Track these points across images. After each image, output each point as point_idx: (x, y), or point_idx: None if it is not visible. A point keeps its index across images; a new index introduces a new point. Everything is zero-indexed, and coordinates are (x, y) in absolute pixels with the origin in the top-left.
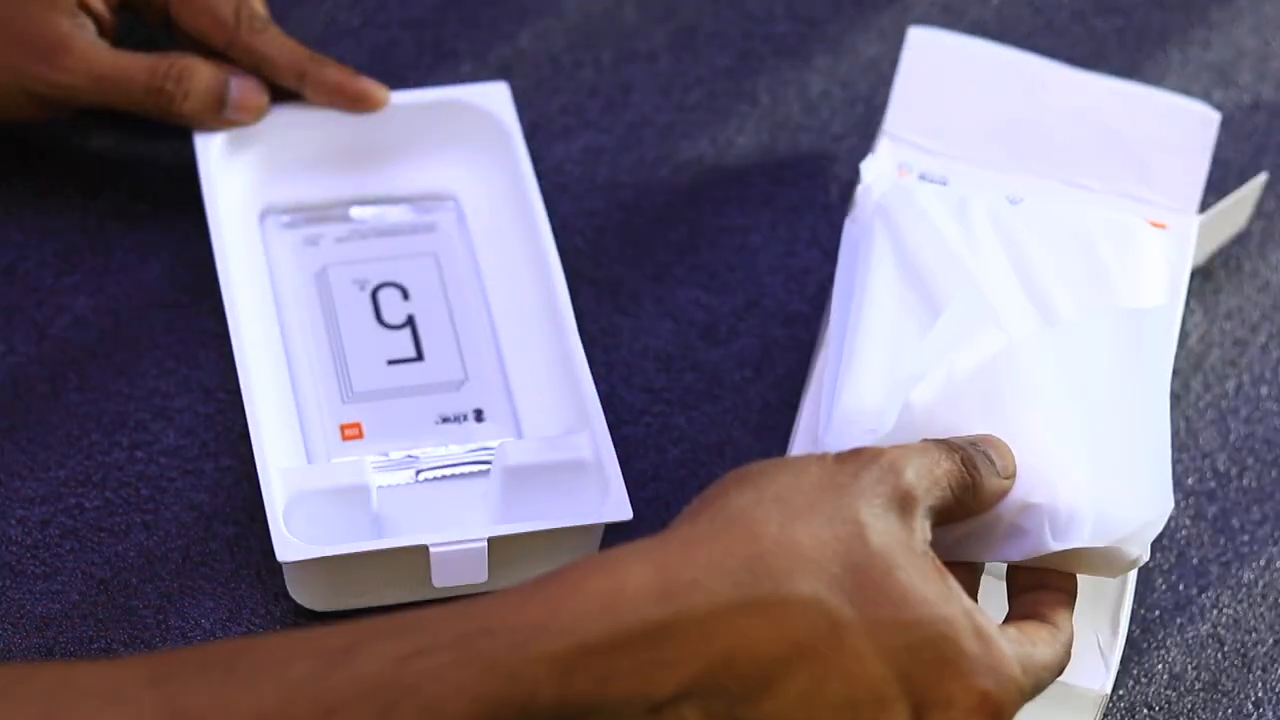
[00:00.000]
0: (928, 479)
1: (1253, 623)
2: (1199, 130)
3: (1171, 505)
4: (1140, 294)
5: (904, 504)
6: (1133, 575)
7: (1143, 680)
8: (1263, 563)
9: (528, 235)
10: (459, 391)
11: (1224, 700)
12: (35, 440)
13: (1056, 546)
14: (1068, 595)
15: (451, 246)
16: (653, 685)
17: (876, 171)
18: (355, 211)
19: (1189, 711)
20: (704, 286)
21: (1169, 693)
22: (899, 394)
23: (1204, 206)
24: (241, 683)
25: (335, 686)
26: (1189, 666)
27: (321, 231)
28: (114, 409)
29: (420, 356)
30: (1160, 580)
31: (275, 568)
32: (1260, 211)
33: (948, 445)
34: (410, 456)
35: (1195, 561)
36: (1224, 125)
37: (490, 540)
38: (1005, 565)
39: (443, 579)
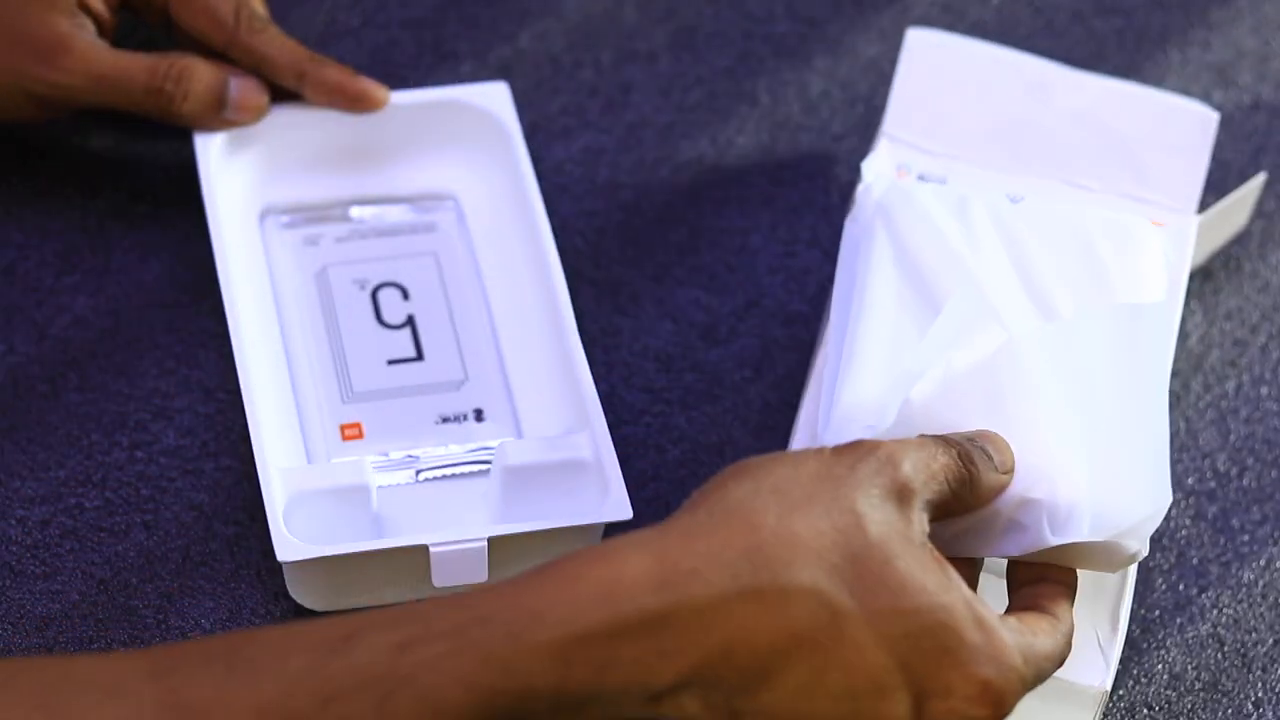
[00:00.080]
0: (925, 472)
1: (1253, 623)
2: (1198, 130)
3: (1170, 500)
4: (1139, 293)
5: (901, 496)
6: (1132, 571)
7: (1143, 680)
8: (1263, 563)
9: (528, 234)
10: (459, 391)
11: (1224, 700)
12: (35, 440)
13: (1055, 541)
14: (1067, 588)
15: (451, 246)
16: (652, 674)
17: (876, 171)
18: (355, 211)
19: (1189, 711)
20: (704, 287)
21: (1169, 693)
22: (898, 391)
23: (1203, 206)
24: (240, 675)
25: (333, 677)
26: (1189, 666)
27: (321, 231)
28: (114, 409)
29: (420, 356)
30: (1160, 580)
31: (275, 568)
32: (1260, 212)
33: (945, 440)
34: (410, 456)
35: (1195, 561)
36: (1224, 125)
37: (490, 540)
38: (1005, 561)
39: (443, 579)
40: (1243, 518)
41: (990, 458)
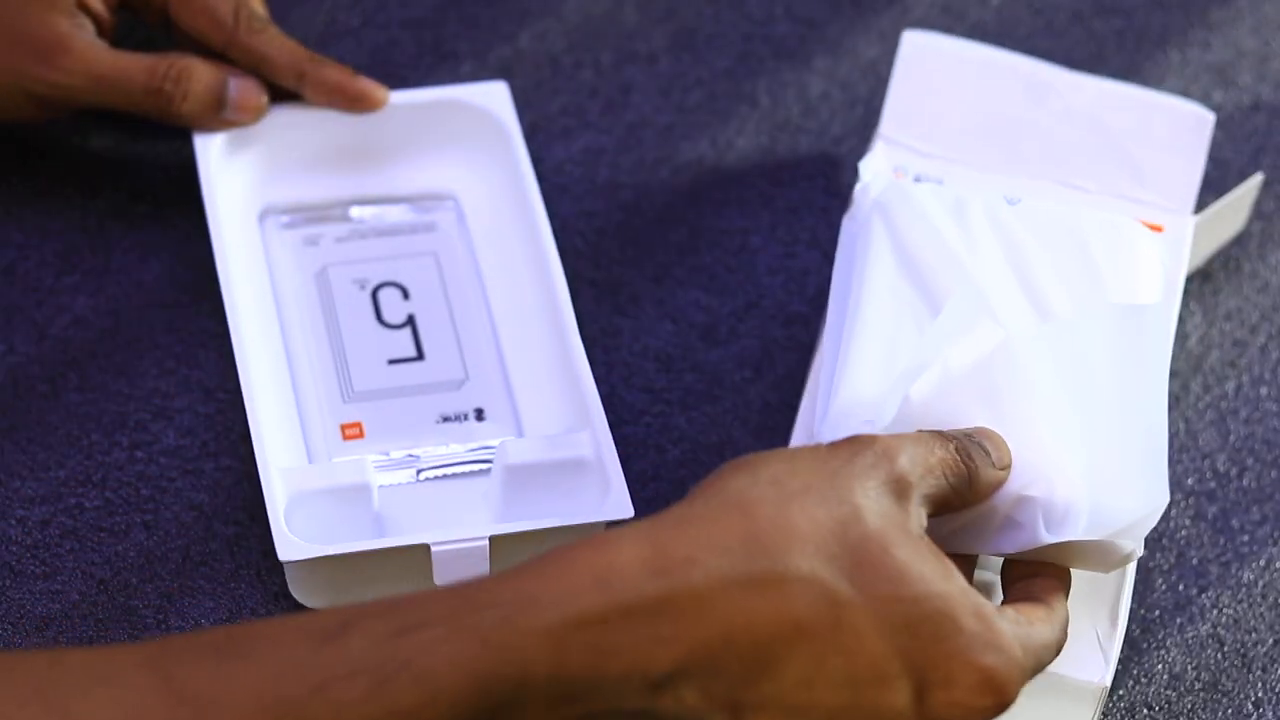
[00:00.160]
0: (922, 466)
1: (1253, 623)
2: (1194, 131)
3: (1167, 499)
4: (1134, 294)
5: (899, 489)
6: (1132, 567)
7: (1143, 680)
8: (1263, 563)
9: (527, 233)
10: (459, 391)
11: (1224, 700)
12: (35, 440)
13: (1051, 539)
14: (1062, 581)
15: (451, 246)
16: (649, 661)
17: (874, 170)
18: (355, 211)
19: (1189, 711)
20: (704, 287)
21: (1169, 693)
22: (896, 388)
23: (1202, 207)
24: (235, 662)
25: (328, 663)
26: (1189, 666)
27: (321, 231)
28: (114, 409)
29: (421, 356)
30: (1160, 580)
31: (275, 567)
32: (1259, 212)
33: (942, 435)
34: (411, 456)
35: (1195, 561)
36: (1224, 126)
37: (492, 539)
38: (999, 561)
39: (444, 578)
40: (1242, 518)
41: (988, 454)
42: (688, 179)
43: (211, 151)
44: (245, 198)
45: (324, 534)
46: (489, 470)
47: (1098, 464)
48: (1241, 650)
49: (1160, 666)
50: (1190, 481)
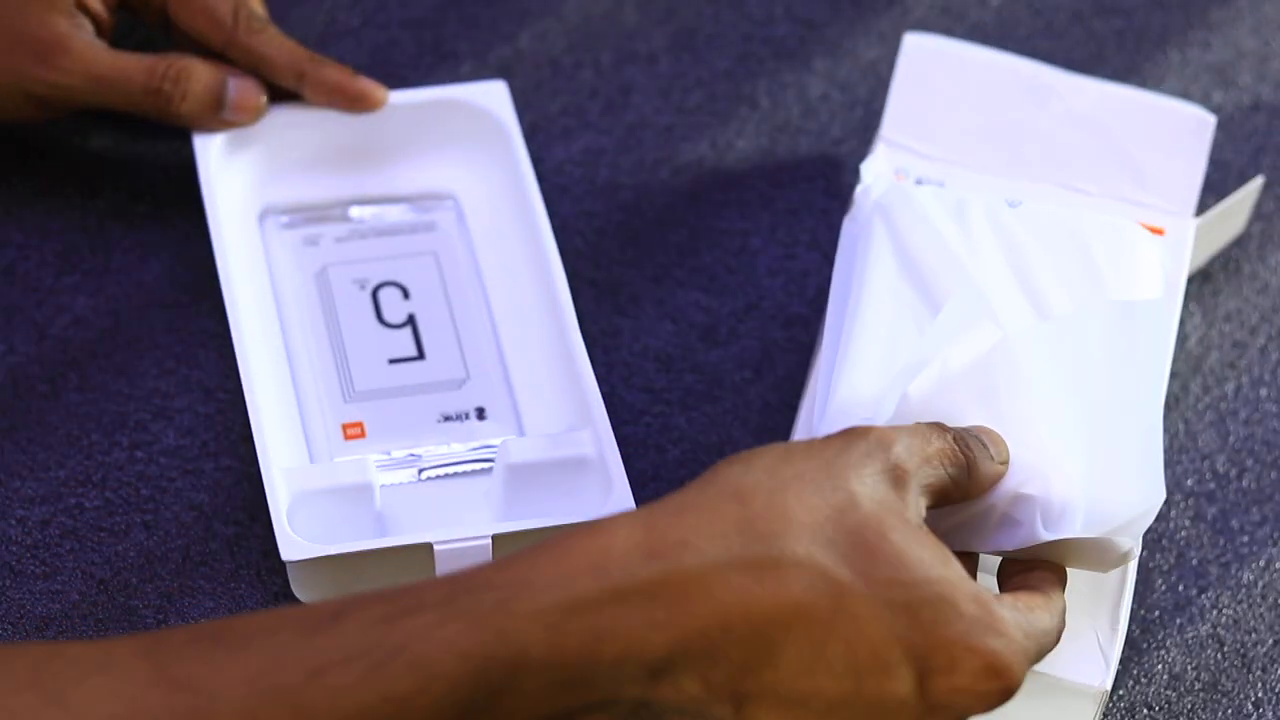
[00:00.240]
0: (919, 455)
1: (1253, 623)
2: (1195, 133)
3: (1163, 497)
4: (1134, 297)
5: (896, 477)
6: (1132, 570)
7: (1143, 680)
8: (1262, 563)
9: (527, 232)
10: (460, 390)
11: (1224, 700)
12: (35, 440)
13: (1048, 536)
14: (1058, 575)
15: (451, 245)
16: (645, 645)
17: (876, 172)
18: (355, 211)
19: (1189, 711)
20: (704, 288)
21: (1169, 693)
22: (895, 386)
23: (1202, 208)
24: (229, 650)
25: (322, 648)
26: (1189, 666)
27: (321, 231)
28: (114, 409)
29: (421, 355)
30: (1160, 581)
31: (275, 567)
32: (1259, 214)
33: (940, 426)
34: (413, 455)
35: (1195, 562)
36: (1224, 126)
37: (494, 538)
38: (996, 561)
39: None
40: (1242, 519)
41: (986, 447)
42: (688, 180)
43: (211, 151)
44: (245, 198)
45: (326, 534)
46: (491, 469)
47: (1095, 462)
48: (1241, 650)
49: (1160, 666)
50: (1190, 482)
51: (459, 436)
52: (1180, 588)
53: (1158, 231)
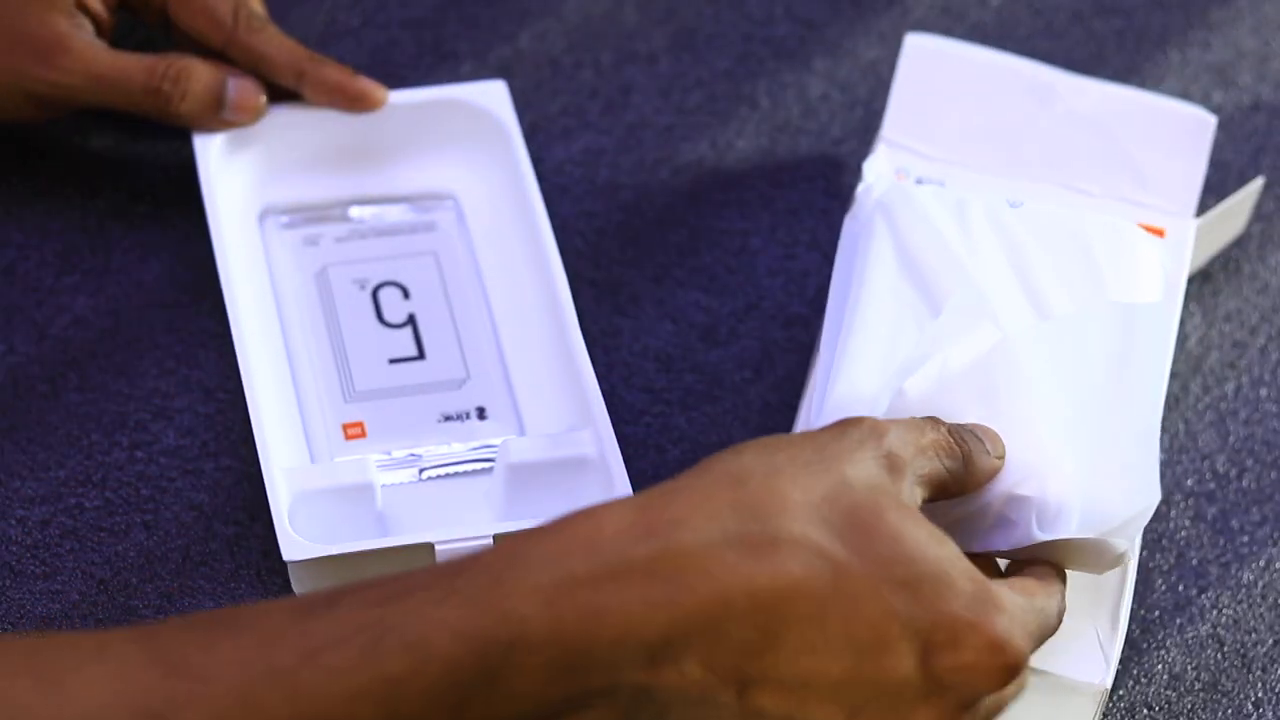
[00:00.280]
0: (913, 445)
1: (1253, 623)
2: (1196, 134)
3: (1158, 498)
4: (1135, 297)
5: (891, 464)
6: (1132, 570)
7: (1143, 680)
8: (1262, 563)
9: (527, 232)
10: (461, 390)
11: (1224, 700)
12: (35, 440)
13: (1043, 537)
14: (1055, 569)
15: (451, 245)
16: (643, 624)
17: (877, 171)
18: (355, 211)
19: (1189, 711)
20: (704, 288)
21: (1169, 693)
22: (893, 385)
23: (1203, 208)
24: (224, 634)
25: (317, 631)
26: (1189, 666)
27: (321, 231)
28: (114, 409)
29: (422, 355)
30: (1160, 581)
31: (275, 568)
32: (1259, 214)
33: (934, 420)
34: (413, 455)
35: (1195, 562)
36: (1224, 127)
37: (495, 538)
38: None
39: None
40: (1242, 519)
41: (982, 442)
42: (688, 180)
43: (211, 151)
44: (245, 198)
45: (327, 533)
46: (491, 469)
47: (1091, 463)
48: (1241, 650)
49: (1160, 666)
50: (1190, 482)
51: (459, 436)
52: (1180, 588)
53: (1158, 232)
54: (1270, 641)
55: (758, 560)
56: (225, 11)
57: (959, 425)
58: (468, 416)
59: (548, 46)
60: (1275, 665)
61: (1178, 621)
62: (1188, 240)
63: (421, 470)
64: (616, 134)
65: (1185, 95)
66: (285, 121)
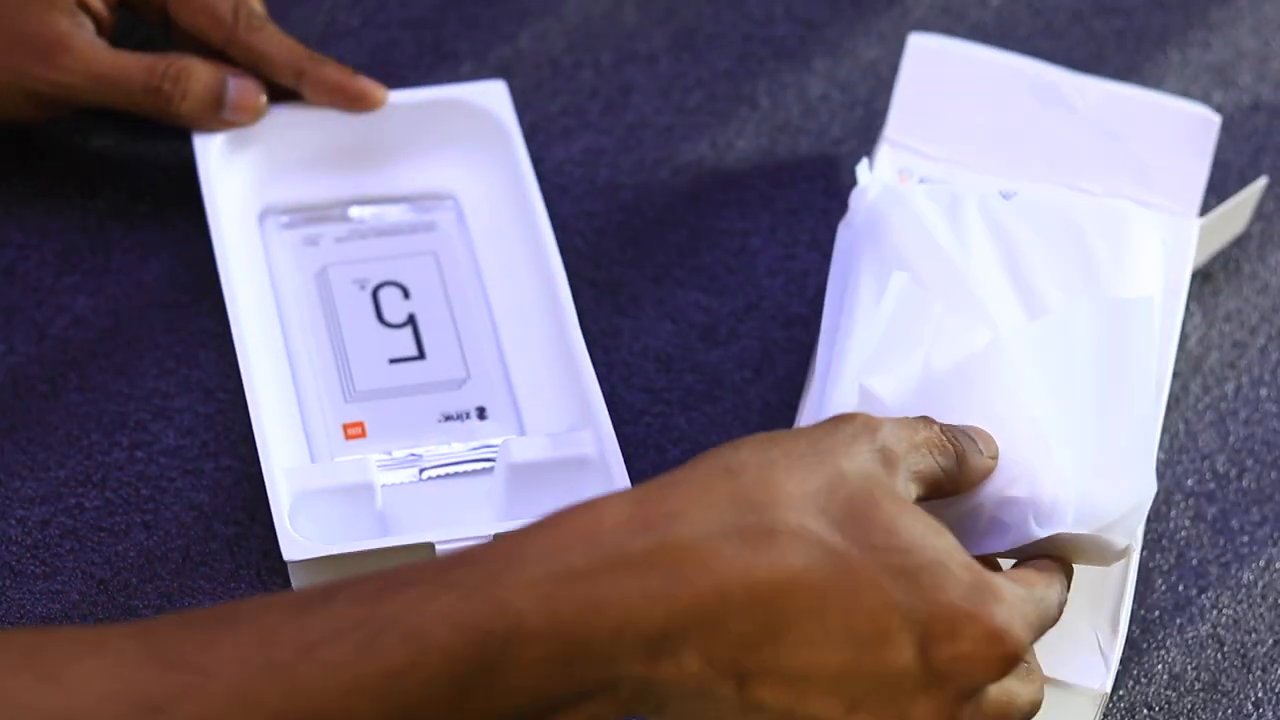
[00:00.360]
0: (907, 442)
1: (1253, 623)
2: (1199, 133)
3: (1154, 491)
4: (1134, 282)
5: (885, 458)
6: (1132, 573)
7: (1143, 680)
8: (1262, 563)
9: (527, 232)
10: (461, 389)
11: (1224, 700)
12: (35, 440)
13: (1042, 533)
14: (1058, 561)
15: (451, 245)
16: (641, 617)
17: (870, 174)
18: (355, 211)
19: (1189, 711)
20: (704, 288)
21: (1169, 693)
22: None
23: (1205, 208)
24: (222, 630)
25: (315, 625)
26: (1189, 666)
27: (321, 231)
28: (114, 409)
29: (422, 355)
30: (1160, 581)
31: (275, 568)
32: (1260, 214)
33: (927, 418)
34: (414, 455)
35: (1195, 562)
36: (1224, 126)
37: (495, 537)
38: None
39: None
40: (1242, 519)
41: (975, 441)
42: (688, 180)
43: (211, 151)
44: (245, 198)
45: (328, 533)
46: (492, 469)
47: (1084, 459)
48: (1241, 650)
49: (1160, 667)
50: (1190, 482)
51: (460, 436)
52: (1180, 588)
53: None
54: (1270, 641)
55: (756, 552)
56: (225, 10)
57: (951, 425)
58: (468, 416)
59: (548, 46)
60: (1275, 665)
61: (1178, 621)
62: (1191, 239)
63: (422, 470)
64: (616, 134)
65: (1185, 95)
66: (285, 121)
